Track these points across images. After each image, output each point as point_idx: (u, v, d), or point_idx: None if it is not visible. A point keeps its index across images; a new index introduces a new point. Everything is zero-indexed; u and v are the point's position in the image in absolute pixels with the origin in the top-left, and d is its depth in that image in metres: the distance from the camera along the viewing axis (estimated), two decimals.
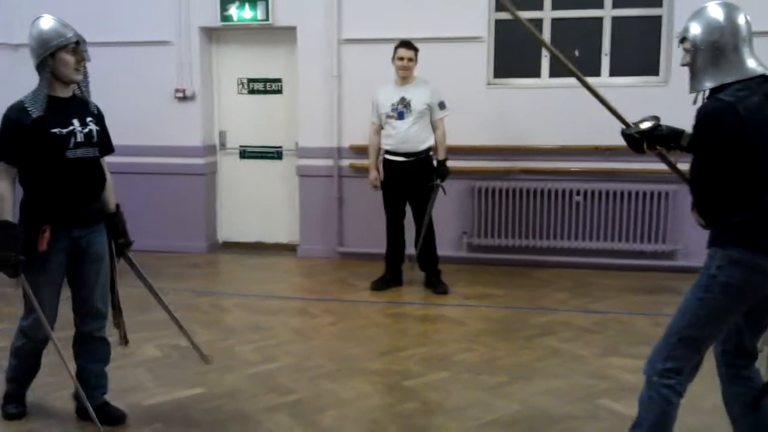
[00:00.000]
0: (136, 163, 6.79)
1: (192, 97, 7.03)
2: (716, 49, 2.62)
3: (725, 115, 2.53)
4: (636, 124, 2.99)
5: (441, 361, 4.30)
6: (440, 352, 4.44)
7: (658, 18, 6.32)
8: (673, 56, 6.20)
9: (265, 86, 7.22)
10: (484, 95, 6.51)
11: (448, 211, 6.61)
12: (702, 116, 2.61)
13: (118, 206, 3.44)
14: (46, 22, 3.17)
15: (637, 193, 6.29)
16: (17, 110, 3.15)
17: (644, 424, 2.75)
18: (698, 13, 2.70)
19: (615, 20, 6.38)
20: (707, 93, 2.70)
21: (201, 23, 6.97)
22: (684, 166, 2.83)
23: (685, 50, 2.74)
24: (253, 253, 7.22)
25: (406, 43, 5.62)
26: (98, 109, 3.40)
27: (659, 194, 6.23)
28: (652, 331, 4.79)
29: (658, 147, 2.99)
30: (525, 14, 6.40)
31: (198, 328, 4.88)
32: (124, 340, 3.58)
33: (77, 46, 3.16)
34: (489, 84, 6.57)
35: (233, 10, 6.83)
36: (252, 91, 7.26)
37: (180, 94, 7.00)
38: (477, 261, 6.65)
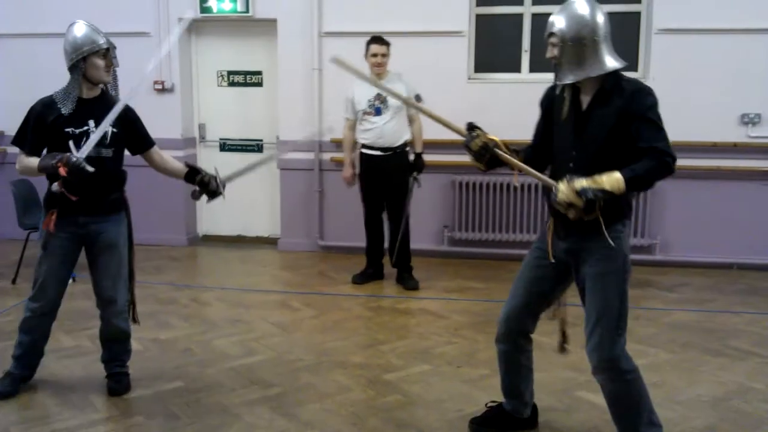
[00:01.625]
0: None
1: (171, 89, 6.98)
2: (581, 45, 2.76)
3: None
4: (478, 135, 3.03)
5: (422, 354, 4.32)
6: (421, 346, 4.46)
7: (637, 14, 6.37)
8: (651, 52, 6.26)
9: (246, 79, 7.19)
10: (465, 90, 6.52)
11: (429, 205, 6.63)
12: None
13: (191, 165, 3.70)
14: (80, 29, 3.46)
15: None
16: (44, 105, 3.47)
17: (641, 405, 2.91)
18: (564, 9, 2.83)
19: None
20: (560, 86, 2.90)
21: (180, 14, 6.89)
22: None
23: (552, 44, 2.84)
24: (233, 247, 7.20)
25: (378, 39, 5.59)
26: (127, 112, 3.58)
27: None
28: (630, 325, 4.83)
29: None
30: (506, 9, 6.51)
31: (177, 321, 4.87)
32: (134, 321, 3.88)
33: (108, 52, 3.48)
34: (470, 78, 6.59)
35: (213, 2, 6.79)
36: (232, 84, 7.22)
37: (159, 86, 6.95)
38: (458, 255, 6.68)
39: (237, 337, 4.60)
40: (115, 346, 3.77)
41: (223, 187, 3.65)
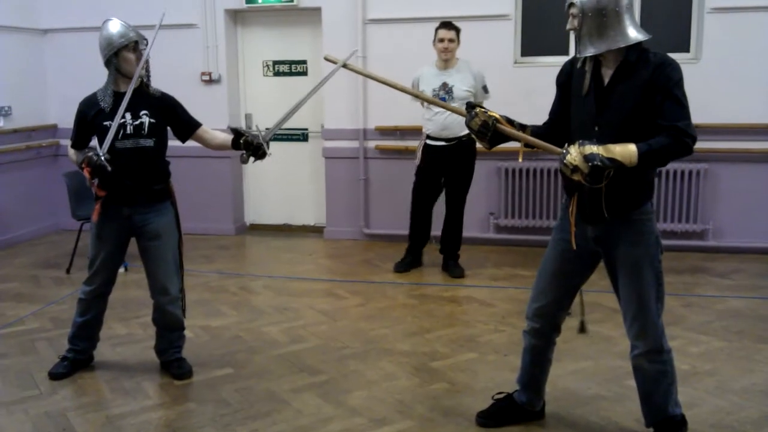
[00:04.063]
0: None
1: (218, 80, 7.06)
2: (602, 16, 2.66)
3: None
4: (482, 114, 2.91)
5: (468, 342, 4.30)
6: (467, 333, 4.44)
7: None
8: (704, 33, 6.08)
9: (291, 68, 7.22)
10: (511, 74, 6.43)
11: (475, 192, 6.58)
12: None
13: (234, 129, 3.71)
14: (114, 26, 3.59)
15: (667, 172, 6.19)
16: (87, 102, 3.67)
17: (674, 385, 2.93)
18: None
19: None
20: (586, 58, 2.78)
21: (226, 5, 6.97)
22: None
23: (572, 16, 2.75)
24: (279, 235, 7.27)
25: (446, 24, 5.47)
26: (164, 100, 3.74)
27: (690, 173, 6.13)
28: (683, 312, 4.75)
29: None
30: None
31: (226, 309, 4.94)
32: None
33: (137, 45, 3.60)
34: (516, 62, 6.50)
35: None
36: (277, 74, 7.26)
37: (206, 77, 7.03)
38: (504, 242, 6.62)
39: (285, 324, 4.65)
40: (170, 334, 3.87)
41: (267, 144, 3.64)
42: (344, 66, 3.37)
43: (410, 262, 5.89)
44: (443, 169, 5.61)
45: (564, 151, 2.64)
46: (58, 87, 7.25)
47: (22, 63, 7.11)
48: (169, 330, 3.86)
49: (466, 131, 5.48)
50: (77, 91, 3.72)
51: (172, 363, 3.85)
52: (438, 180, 5.67)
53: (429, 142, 5.59)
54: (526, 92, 6.24)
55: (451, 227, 5.76)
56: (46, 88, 7.33)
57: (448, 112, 5.35)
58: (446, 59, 5.47)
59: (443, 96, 5.42)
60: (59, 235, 7.27)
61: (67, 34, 7.18)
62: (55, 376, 3.78)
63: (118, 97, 3.59)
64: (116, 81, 3.62)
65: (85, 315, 3.83)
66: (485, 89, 5.54)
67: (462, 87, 5.43)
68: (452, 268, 5.75)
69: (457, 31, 5.48)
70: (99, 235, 3.69)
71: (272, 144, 3.73)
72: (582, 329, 3.20)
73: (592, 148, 2.56)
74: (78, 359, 3.87)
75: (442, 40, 5.43)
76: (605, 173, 2.55)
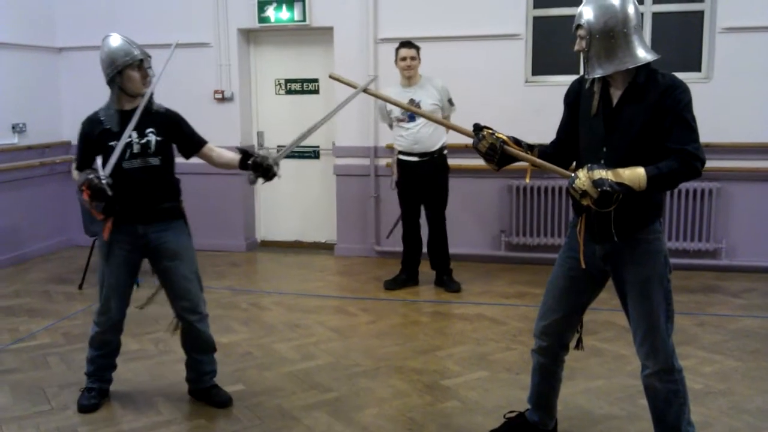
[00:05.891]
0: (176, 163, 6.89)
1: (231, 99, 7.11)
2: (610, 37, 2.64)
3: None
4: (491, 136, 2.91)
5: (480, 360, 4.28)
6: (479, 351, 4.43)
7: (700, 13, 6.21)
8: (715, 52, 6.09)
9: (302, 86, 7.27)
10: (522, 93, 6.46)
11: (486, 210, 6.58)
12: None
13: (243, 150, 3.57)
14: (115, 41, 3.45)
15: (680, 191, 6.17)
16: (90, 121, 3.51)
17: (686, 404, 2.88)
18: (592, 1, 2.69)
19: (656, 16, 6.28)
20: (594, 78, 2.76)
21: (239, 25, 7.04)
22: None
23: (580, 37, 2.73)
24: (291, 252, 7.28)
25: (406, 43, 5.60)
26: (169, 117, 3.60)
27: (703, 192, 6.11)
28: (696, 331, 4.72)
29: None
30: (564, 11, 6.42)
31: (237, 326, 4.95)
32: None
33: (141, 63, 3.44)
34: (527, 81, 6.52)
35: (270, 12, 6.88)
36: (289, 92, 7.31)
37: (219, 96, 7.08)
38: (516, 260, 6.60)
39: (295, 341, 4.64)
40: (203, 357, 3.72)
41: (276, 165, 3.45)
42: (364, 91, 3.36)
43: (404, 280, 5.91)
44: (418, 184, 5.69)
45: (573, 175, 2.63)
46: (72, 104, 7.32)
47: (37, 80, 7.20)
48: (200, 352, 3.69)
49: (438, 146, 5.59)
50: (91, 108, 3.70)
51: (210, 390, 3.71)
52: (416, 194, 5.75)
53: (401, 157, 5.70)
54: (537, 111, 6.25)
55: (435, 243, 5.80)
56: (60, 106, 7.41)
57: (419, 127, 5.50)
58: (409, 76, 5.58)
59: (411, 113, 5.47)
60: (71, 251, 7.31)
61: (82, 53, 7.26)
62: (86, 408, 3.59)
63: (121, 115, 3.45)
64: (119, 99, 3.47)
65: (102, 349, 3.68)
66: (450, 102, 5.64)
67: (428, 101, 5.53)
68: (447, 283, 5.79)
69: (417, 49, 5.59)
70: (111, 256, 3.50)
71: (283, 161, 3.69)
72: (578, 345, 3.17)
73: (601, 173, 2.55)
74: (104, 388, 3.73)
75: (404, 59, 5.54)
76: (614, 197, 2.55)
